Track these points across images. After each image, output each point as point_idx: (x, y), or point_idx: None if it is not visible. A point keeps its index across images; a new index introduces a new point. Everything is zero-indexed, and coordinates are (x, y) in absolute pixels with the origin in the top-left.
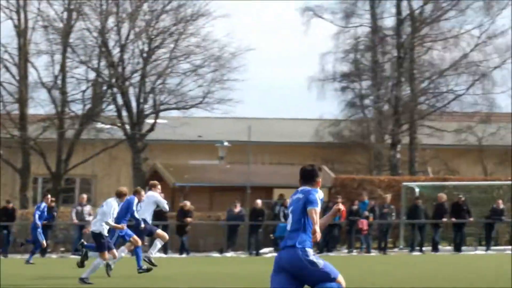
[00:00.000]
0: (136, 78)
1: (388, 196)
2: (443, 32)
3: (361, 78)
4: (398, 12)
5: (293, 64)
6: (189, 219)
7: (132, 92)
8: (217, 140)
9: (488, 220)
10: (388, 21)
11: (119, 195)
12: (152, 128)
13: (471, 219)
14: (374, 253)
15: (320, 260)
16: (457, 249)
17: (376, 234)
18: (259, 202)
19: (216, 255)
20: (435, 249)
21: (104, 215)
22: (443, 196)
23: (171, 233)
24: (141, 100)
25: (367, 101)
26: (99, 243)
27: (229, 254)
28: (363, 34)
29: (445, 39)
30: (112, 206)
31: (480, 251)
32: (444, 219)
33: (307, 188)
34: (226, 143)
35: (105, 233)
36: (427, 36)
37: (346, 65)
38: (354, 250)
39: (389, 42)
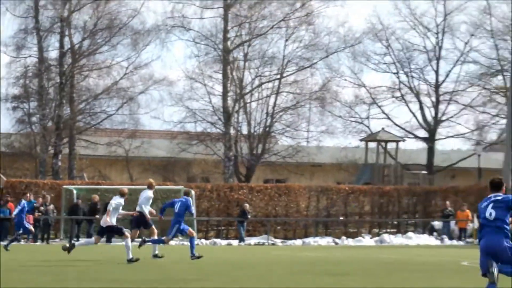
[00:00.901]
0: None
1: (48, 196)
2: (98, 63)
3: (29, 100)
4: (61, 46)
5: None
6: None
7: None
8: None
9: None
10: (53, 53)
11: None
12: None
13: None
14: (39, 243)
15: None
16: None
17: (42, 227)
18: None
19: None
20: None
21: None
22: (96, 197)
23: None
24: None
25: (34, 119)
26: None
27: None
28: (32, 63)
29: (100, 68)
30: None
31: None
32: (97, 216)
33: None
34: None
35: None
36: (85, 66)
37: (17, 89)
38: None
39: (53, 71)
